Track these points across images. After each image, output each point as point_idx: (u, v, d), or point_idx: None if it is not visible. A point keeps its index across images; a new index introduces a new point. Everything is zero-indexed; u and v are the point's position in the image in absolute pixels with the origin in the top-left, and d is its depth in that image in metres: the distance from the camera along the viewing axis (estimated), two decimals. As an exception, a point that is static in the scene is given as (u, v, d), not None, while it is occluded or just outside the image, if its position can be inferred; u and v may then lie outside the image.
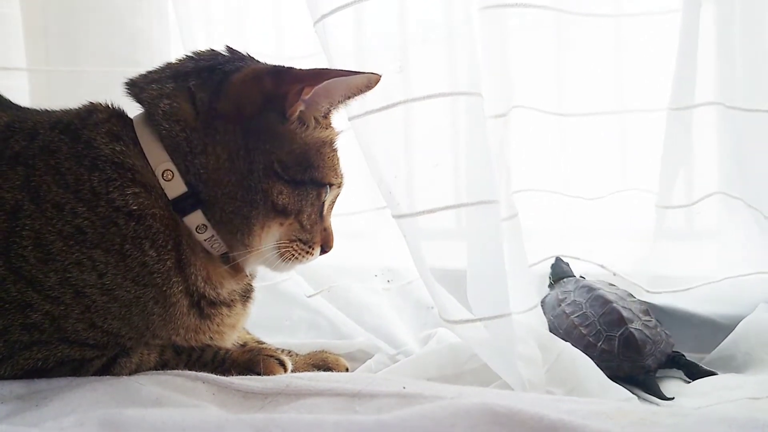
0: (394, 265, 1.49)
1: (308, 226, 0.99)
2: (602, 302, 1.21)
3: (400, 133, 1.14)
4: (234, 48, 1.01)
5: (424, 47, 1.16)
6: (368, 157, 1.08)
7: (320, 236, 1.01)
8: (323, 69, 0.96)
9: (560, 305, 1.26)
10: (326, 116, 1.01)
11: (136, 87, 0.97)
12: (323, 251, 1.03)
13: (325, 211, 1.02)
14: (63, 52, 1.60)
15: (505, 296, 1.04)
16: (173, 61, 1.01)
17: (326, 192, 0.99)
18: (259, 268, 1.08)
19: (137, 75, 0.99)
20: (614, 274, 1.37)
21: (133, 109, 0.99)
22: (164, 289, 0.91)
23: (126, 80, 0.99)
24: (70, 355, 0.91)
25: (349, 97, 0.99)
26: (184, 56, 1.00)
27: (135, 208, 0.90)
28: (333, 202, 1.05)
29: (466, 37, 1.06)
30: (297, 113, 0.95)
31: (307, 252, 1.00)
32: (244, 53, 1.01)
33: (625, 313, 1.18)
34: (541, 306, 1.31)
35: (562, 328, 1.22)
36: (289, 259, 0.99)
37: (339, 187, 1.03)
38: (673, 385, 1.14)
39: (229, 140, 0.93)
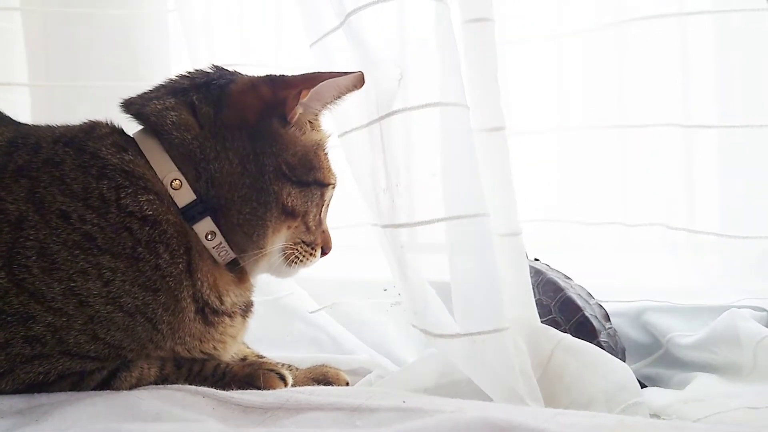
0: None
1: (312, 228, 1.04)
2: (567, 301, 1.20)
3: (401, 142, 1.14)
4: (220, 66, 1.06)
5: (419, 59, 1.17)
6: (360, 167, 1.11)
7: (321, 238, 1.06)
8: (316, 72, 1.02)
9: None
10: (317, 119, 1.06)
11: (135, 105, 1.01)
12: (323, 253, 1.07)
13: (322, 213, 1.07)
14: (64, 67, 1.61)
15: (499, 311, 0.99)
16: (164, 82, 1.04)
17: (327, 192, 1.05)
18: (260, 279, 1.09)
19: (131, 96, 1.03)
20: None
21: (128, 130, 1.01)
22: (176, 293, 0.93)
23: (121, 101, 1.02)
24: (71, 368, 0.91)
25: (337, 98, 1.04)
26: (176, 76, 1.05)
27: (150, 213, 0.92)
28: (328, 205, 1.09)
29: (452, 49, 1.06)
30: (297, 116, 1.00)
31: (311, 254, 1.05)
32: (231, 70, 1.06)
33: (594, 323, 1.18)
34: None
35: None
36: (294, 262, 1.04)
37: (334, 188, 1.08)
38: (668, 391, 1.14)
39: (238, 146, 0.97)
